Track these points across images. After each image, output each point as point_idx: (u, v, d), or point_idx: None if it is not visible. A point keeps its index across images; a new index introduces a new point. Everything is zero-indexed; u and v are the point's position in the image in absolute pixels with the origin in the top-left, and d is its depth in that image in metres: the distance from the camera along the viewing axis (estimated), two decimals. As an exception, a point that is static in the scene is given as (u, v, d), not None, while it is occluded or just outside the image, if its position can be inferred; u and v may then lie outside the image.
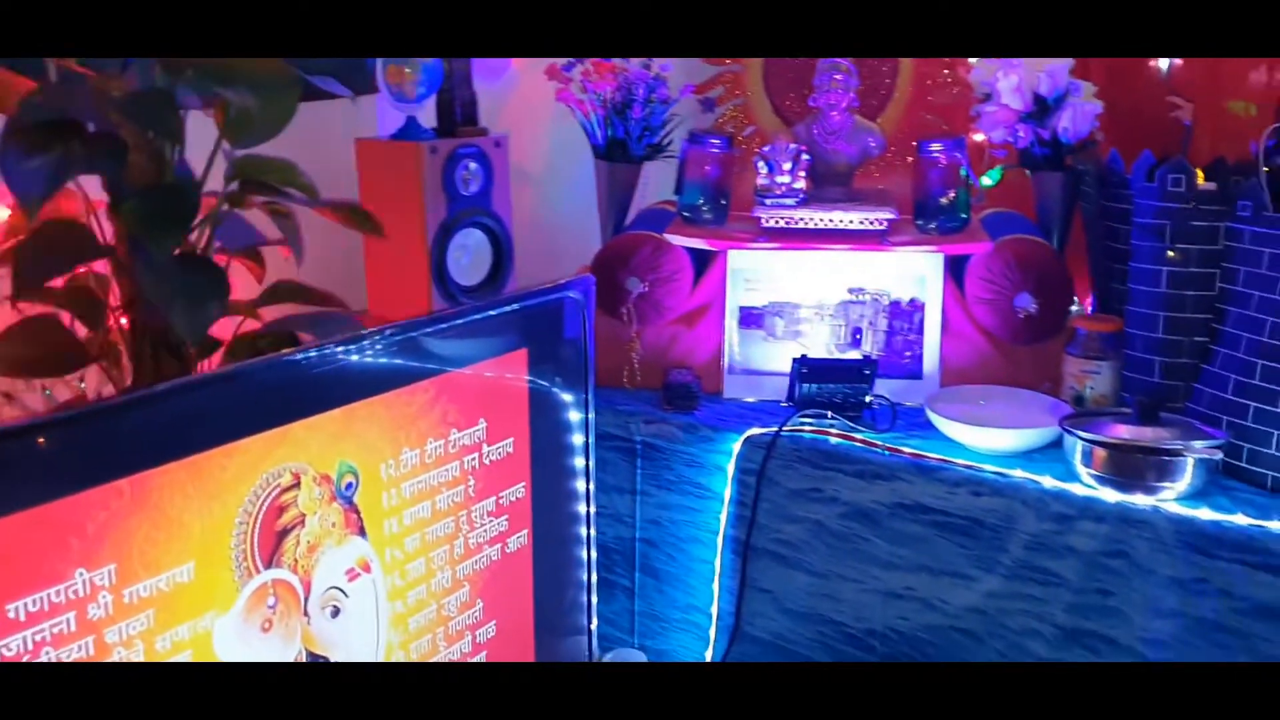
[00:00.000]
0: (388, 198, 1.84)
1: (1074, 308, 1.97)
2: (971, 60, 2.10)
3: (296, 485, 1.31)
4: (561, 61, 2.16)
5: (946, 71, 2.19)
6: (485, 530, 1.62)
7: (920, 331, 2.01)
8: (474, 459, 1.58)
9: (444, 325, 1.52)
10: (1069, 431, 1.65)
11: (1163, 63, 2.23)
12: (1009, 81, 1.97)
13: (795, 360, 1.87)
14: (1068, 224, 2.09)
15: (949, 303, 2.00)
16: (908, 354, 2.01)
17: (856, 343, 2.02)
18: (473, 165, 1.86)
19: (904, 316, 2.01)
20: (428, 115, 1.90)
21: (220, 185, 1.39)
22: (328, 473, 1.36)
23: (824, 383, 1.86)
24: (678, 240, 2.07)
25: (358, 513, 1.41)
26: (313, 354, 1.34)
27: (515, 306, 1.62)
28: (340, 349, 1.36)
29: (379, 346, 1.42)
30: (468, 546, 1.59)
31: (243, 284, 1.51)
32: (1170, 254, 1.73)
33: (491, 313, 1.61)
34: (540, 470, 1.72)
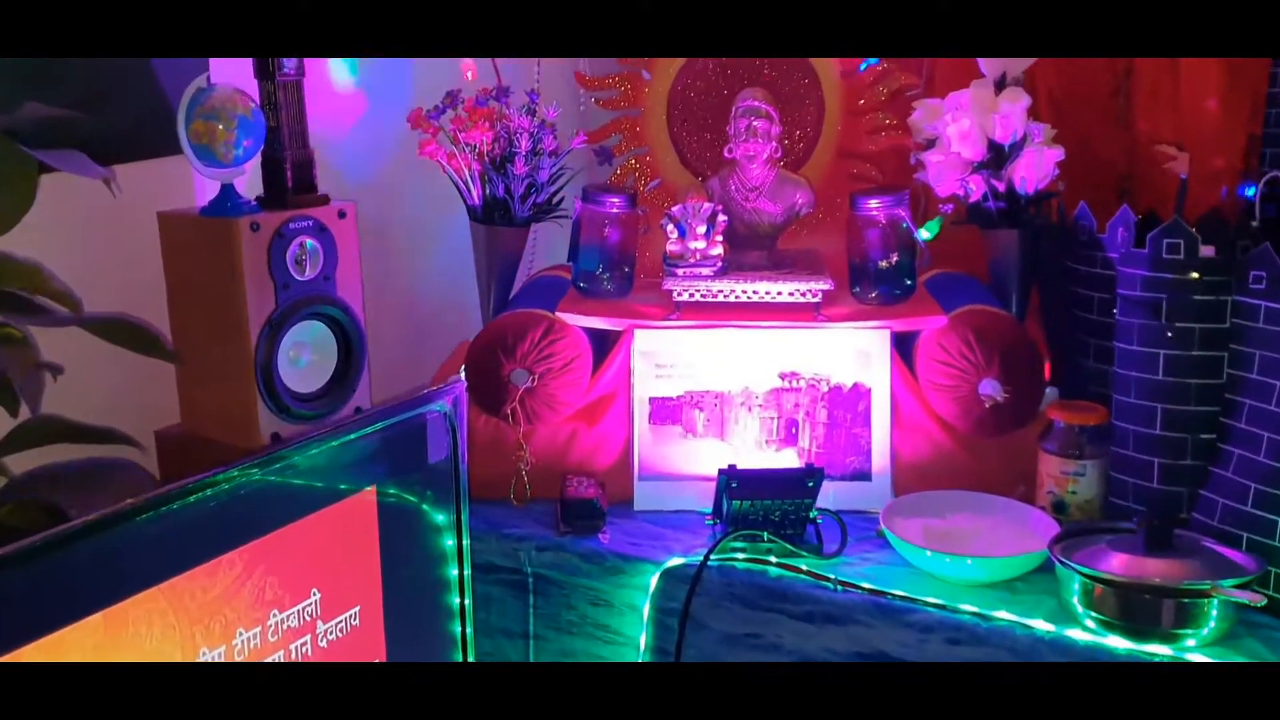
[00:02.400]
0: (201, 288, 1.45)
1: (1047, 393, 1.66)
2: (913, 103, 1.79)
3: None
4: (426, 107, 1.79)
5: (883, 115, 1.88)
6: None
7: (867, 423, 1.68)
8: (305, 643, 1.19)
9: (257, 472, 1.13)
10: (1064, 563, 1.33)
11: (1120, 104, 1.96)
12: (959, 126, 1.66)
13: (722, 472, 1.52)
14: (1026, 289, 1.79)
15: (899, 388, 1.68)
16: (852, 457, 1.67)
17: (792, 438, 1.69)
18: (309, 243, 1.47)
19: (847, 405, 1.68)
20: (252, 181, 1.50)
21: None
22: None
23: (759, 498, 1.52)
24: (573, 319, 1.71)
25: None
26: (70, 532, 0.95)
27: (357, 436, 1.24)
28: (113, 521, 0.97)
29: (163, 514, 1.03)
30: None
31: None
32: (1169, 335, 1.43)
33: (331, 444, 1.23)
34: (399, 633, 1.34)
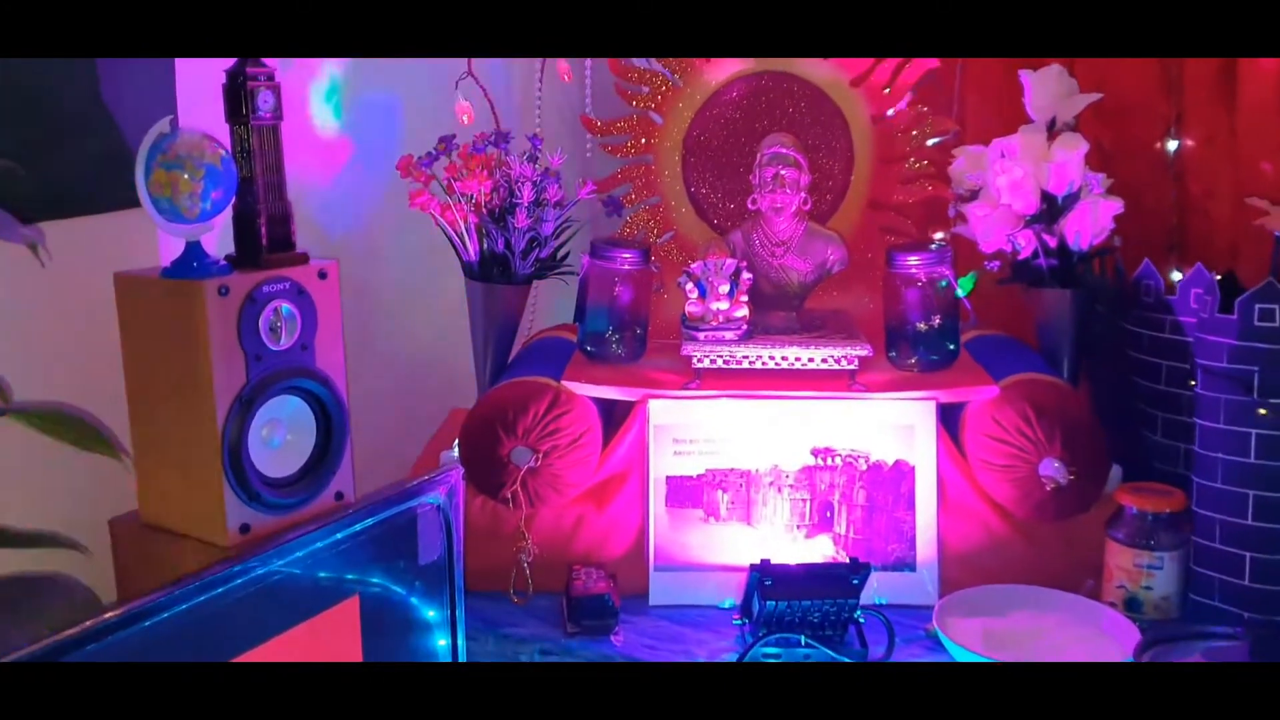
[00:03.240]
0: (162, 359, 1.27)
1: (1114, 477, 1.49)
2: (954, 150, 1.63)
3: None
4: (417, 153, 1.62)
5: (916, 162, 1.72)
6: None
7: (910, 506, 1.50)
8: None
9: (219, 589, 0.95)
10: (1158, 681, 1.14)
11: (1170, 145, 1.80)
12: (1010, 176, 1.50)
13: (754, 569, 1.34)
14: (1079, 355, 1.62)
15: (946, 466, 1.50)
16: (894, 545, 1.49)
17: (827, 523, 1.51)
18: (285, 308, 1.29)
19: (888, 485, 1.51)
20: (222, 238, 1.33)
21: None
22: None
23: (796, 598, 1.33)
24: (581, 389, 1.53)
25: None
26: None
27: (332, 542, 1.06)
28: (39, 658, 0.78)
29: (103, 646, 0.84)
30: None
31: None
32: (1261, 411, 1.27)
33: (305, 549, 1.05)
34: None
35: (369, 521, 1.13)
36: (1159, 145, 1.81)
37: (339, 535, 1.10)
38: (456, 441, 1.54)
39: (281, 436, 1.34)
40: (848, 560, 1.37)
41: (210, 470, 1.25)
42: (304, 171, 1.59)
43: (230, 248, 1.34)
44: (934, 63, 1.70)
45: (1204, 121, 1.77)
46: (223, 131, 1.30)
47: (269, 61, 1.32)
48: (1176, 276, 1.68)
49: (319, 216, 1.63)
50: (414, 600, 1.23)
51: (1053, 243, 1.56)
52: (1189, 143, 1.79)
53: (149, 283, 1.28)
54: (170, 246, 1.37)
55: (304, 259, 1.36)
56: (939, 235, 1.79)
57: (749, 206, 1.60)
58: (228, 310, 1.25)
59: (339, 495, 1.40)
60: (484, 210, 1.62)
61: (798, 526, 1.51)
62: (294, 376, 1.32)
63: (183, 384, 1.25)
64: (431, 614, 1.26)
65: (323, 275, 1.35)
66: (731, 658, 1.33)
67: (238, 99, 1.29)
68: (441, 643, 1.26)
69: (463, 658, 1.25)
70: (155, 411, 1.29)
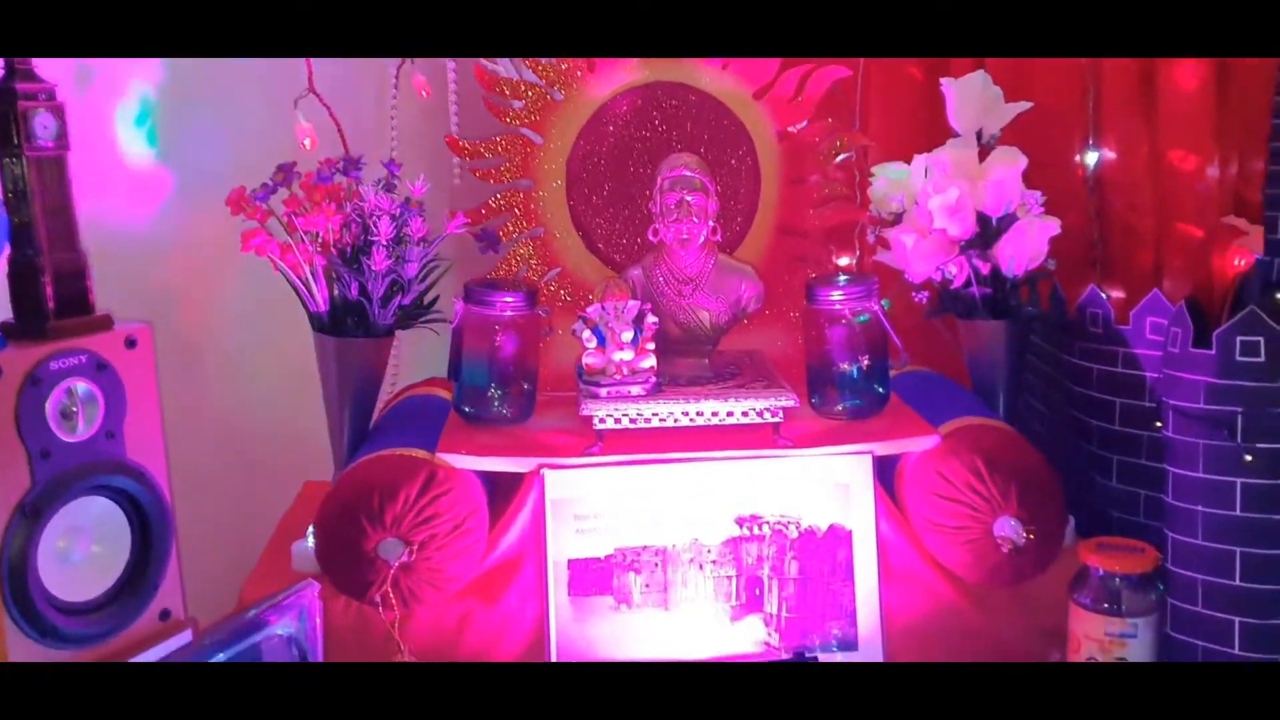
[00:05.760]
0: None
1: (1069, 530, 1.33)
2: (872, 169, 1.46)
3: None
4: (251, 187, 1.35)
5: (829, 184, 1.54)
6: None
7: (849, 577, 1.31)
8: None
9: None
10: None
11: (1089, 157, 1.67)
12: (945, 199, 1.33)
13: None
14: (1015, 392, 1.47)
15: (886, 528, 1.32)
16: (833, 622, 1.30)
17: (756, 602, 1.30)
18: (80, 388, 1.02)
19: (822, 554, 1.31)
20: (-6, 300, 1.04)
21: None
22: None
23: (732, 706, 1.12)
24: (462, 462, 1.29)
25: None
26: None
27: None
28: None
29: None
30: None
31: None
32: (1248, 458, 1.12)
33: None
34: None
35: (199, 661, 0.87)
36: (1076, 157, 1.68)
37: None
38: (311, 530, 1.28)
39: (84, 549, 1.07)
40: (789, 654, 1.16)
41: (-14, 604, 0.97)
42: (106, 212, 1.30)
43: (6, 313, 1.05)
44: (844, 71, 1.52)
45: (1123, 132, 1.65)
46: (-12, 165, 1.02)
47: (47, 77, 1.04)
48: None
49: (128, 268, 1.35)
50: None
51: (985, 269, 1.40)
52: (1109, 154, 1.66)
53: (-107, 364, 0.98)
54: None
55: (106, 323, 1.08)
56: (844, 261, 1.62)
57: (650, 238, 1.39)
58: (3, 396, 0.96)
59: (165, 614, 1.13)
60: (333, 250, 1.35)
61: (725, 607, 1.30)
62: (97, 473, 1.05)
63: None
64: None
65: (131, 343, 1.08)
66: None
67: (5, 123, 1.01)
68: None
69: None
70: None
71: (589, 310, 1.32)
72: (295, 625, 0.94)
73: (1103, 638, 1.21)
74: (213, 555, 1.37)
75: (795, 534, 1.31)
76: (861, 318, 1.36)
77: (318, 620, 0.96)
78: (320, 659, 0.96)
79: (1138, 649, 1.20)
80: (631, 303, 1.32)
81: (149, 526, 1.09)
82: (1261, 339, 1.10)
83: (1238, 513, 1.13)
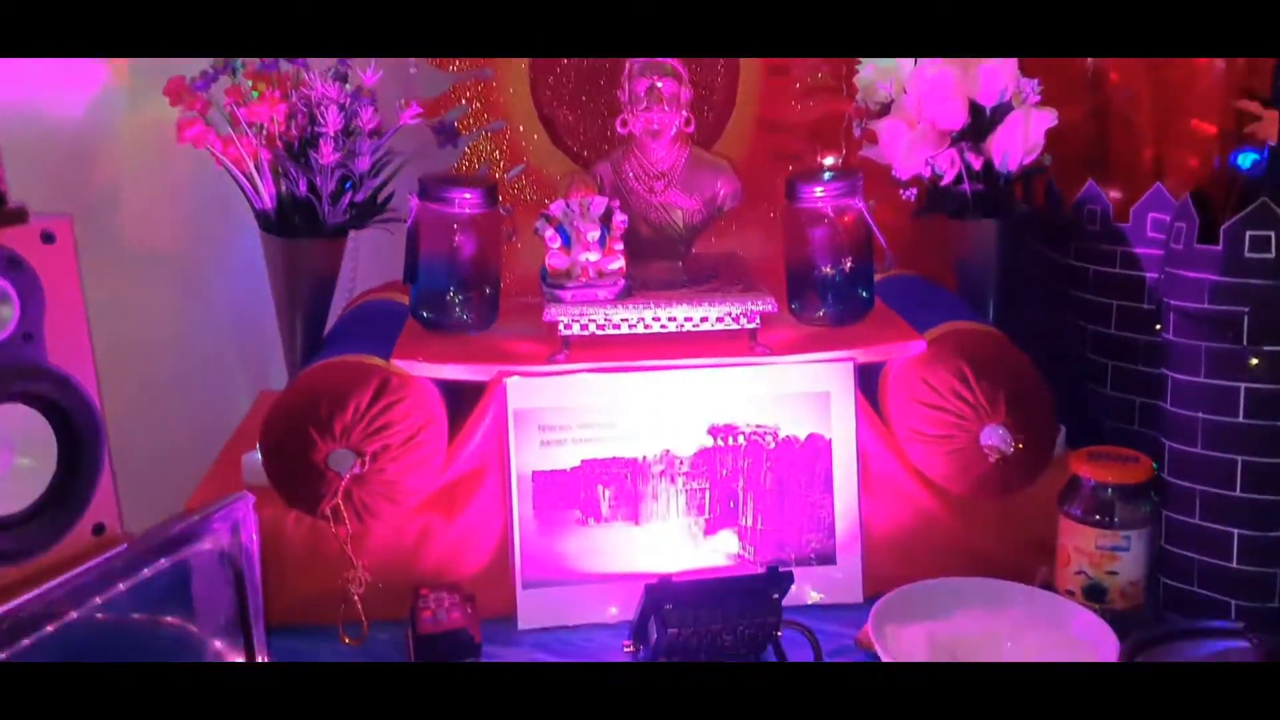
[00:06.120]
0: None
1: (1059, 440, 1.27)
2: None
3: None
4: (190, 75, 1.25)
5: (816, 75, 1.44)
6: None
7: (828, 489, 1.24)
8: None
9: None
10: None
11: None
12: (933, 86, 1.23)
13: (650, 590, 1.05)
14: (1004, 296, 1.39)
15: (867, 438, 1.25)
16: (811, 536, 1.24)
17: (731, 515, 1.24)
18: (-11, 286, 0.93)
19: (801, 466, 1.25)
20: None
21: None
22: None
23: (703, 622, 1.06)
24: (418, 369, 1.21)
25: None
26: None
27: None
28: None
29: None
30: None
31: None
32: (1254, 361, 1.05)
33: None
34: None
35: (119, 588, 0.79)
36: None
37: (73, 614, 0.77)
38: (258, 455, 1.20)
39: (5, 460, 0.99)
40: (764, 568, 1.10)
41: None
42: (23, 97, 1.20)
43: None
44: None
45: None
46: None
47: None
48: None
49: (49, 159, 1.25)
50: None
51: (977, 164, 1.31)
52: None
53: None
54: None
55: (20, 216, 0.99)
56: (828, 160, 1.52)
57: (618, 130, 1.29)
58: (-102, 294, 0.88)
59: (99, 528, 1.05)
60: (279, 144, 1.26)
61: (694, 524, 1.23)
62: (14, 379, 0.97)
63: None
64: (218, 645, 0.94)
65: (48, 238, 0.99)
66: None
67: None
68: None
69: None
70: None
71: (552, 207, 1.23)
72: (228, 539, 0.87)
73: (1093, 551, 1.15)
74: (161, 468, 1.30)
75: (772, 445, 1.24)
76: (854, 218, 1.27)
77: (253, 535, 0.89)
78: (257, 575, 0.89)
79: (1129, 563, 1.15)
80: (598, 199, 1.23)
81: (76, 436, 1.01)
82: (1273, 234, 1.02)
83: (1240, 419, 1.06)
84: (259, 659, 0.88)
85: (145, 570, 0.81)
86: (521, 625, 1.20)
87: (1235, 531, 1.08)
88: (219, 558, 0.86)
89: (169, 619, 0.83)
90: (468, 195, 1.25)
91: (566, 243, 1.23)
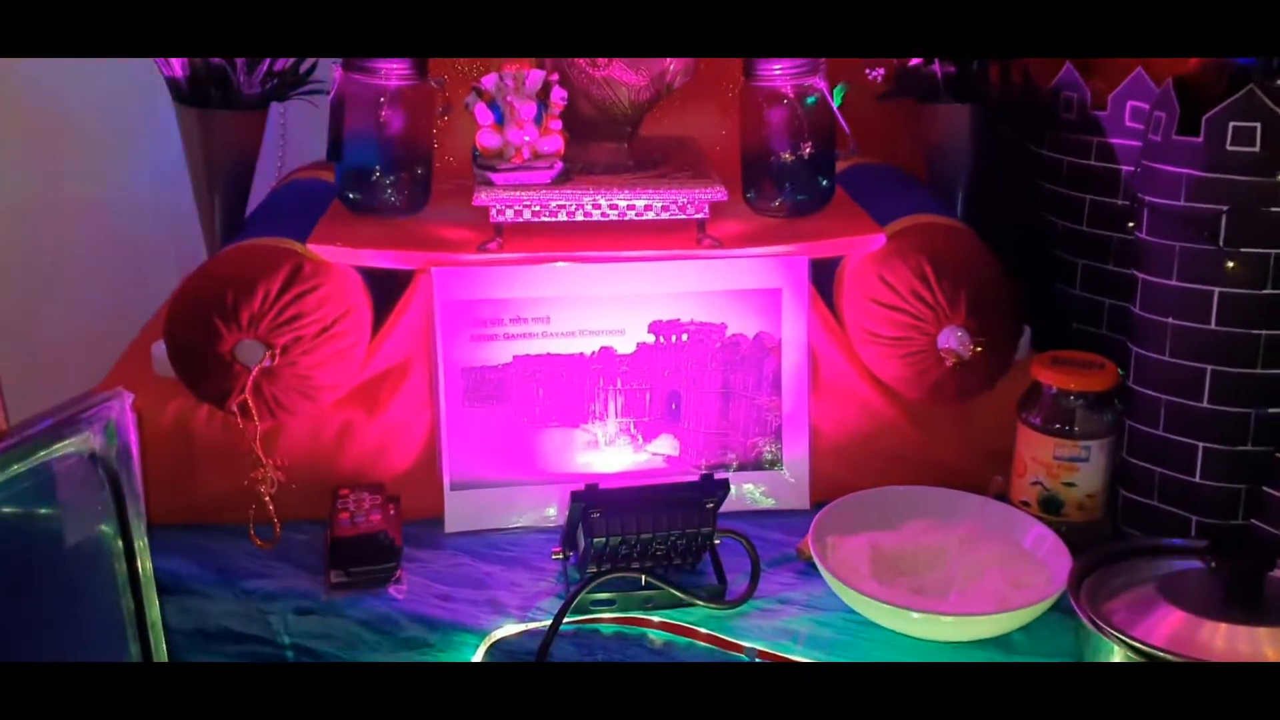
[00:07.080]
0: None
1: (1024, 342, 1.20)
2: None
3: None
4: None
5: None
6: None
7: (776, 390, 1.18)
8: None
9: None
10: (1104, 630, 0.87)
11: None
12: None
13: (576, 497, 0.99)
14: (977, 189, 1.30)
15: (819, 338, 1.18)
16: (757, 439, 1.18)
17: (674, 415, 1.17)
18: None
19: (748, 366, 1.17)
20: None
21: None
22: None
23: (633, 531, 1.00)
24: (338, 255, 1.13)
25: None
26: None
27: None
28: None
29: None
30: None
31: None
32: (1230, 264, 0.97)
33: None
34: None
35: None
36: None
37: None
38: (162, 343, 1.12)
39: None
40: (700, 474, 1.04)
41: None
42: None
43: None
44: None
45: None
46: None
47: None
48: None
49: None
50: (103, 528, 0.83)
51: (951, 44, 1.21)
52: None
53: None
54: None
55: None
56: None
57: None
58: None
59: (-17, 420, 0.98)
60: (188, 4, 1.15)
61: (635, 424, 1.17)
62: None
63: None
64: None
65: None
66: (553, 604, 1.00)
67: None
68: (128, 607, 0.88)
69: (161, 657, 0.87)
70: None
71: (484, 80, 1.13)
72: (99, 441, 0.80)
73: (1051, 461, 1.09)
74: (70, 358, 1.22)
75: (718, 344, 1.17)
76: (810, 99, 1.18)
77: (131, 437, 0.82)
78: (138, 481, 0.82)
79: (1088, 474, 1.08)
80: (535, 72, 1.13)
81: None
82: (1259, 125, 0.93)
83: (1212, 326, 0.99)
84: (139, 568, 0.81)
85: (1, 475, 0.73)
86: (448, 528, 1.14)
87: (1200, 445, 1.02)
88: (89, 460, 0.79)
89: (34, 522, 0.76)
90: (395, 65, 1.15)
91: (499, 120, 1.13)
